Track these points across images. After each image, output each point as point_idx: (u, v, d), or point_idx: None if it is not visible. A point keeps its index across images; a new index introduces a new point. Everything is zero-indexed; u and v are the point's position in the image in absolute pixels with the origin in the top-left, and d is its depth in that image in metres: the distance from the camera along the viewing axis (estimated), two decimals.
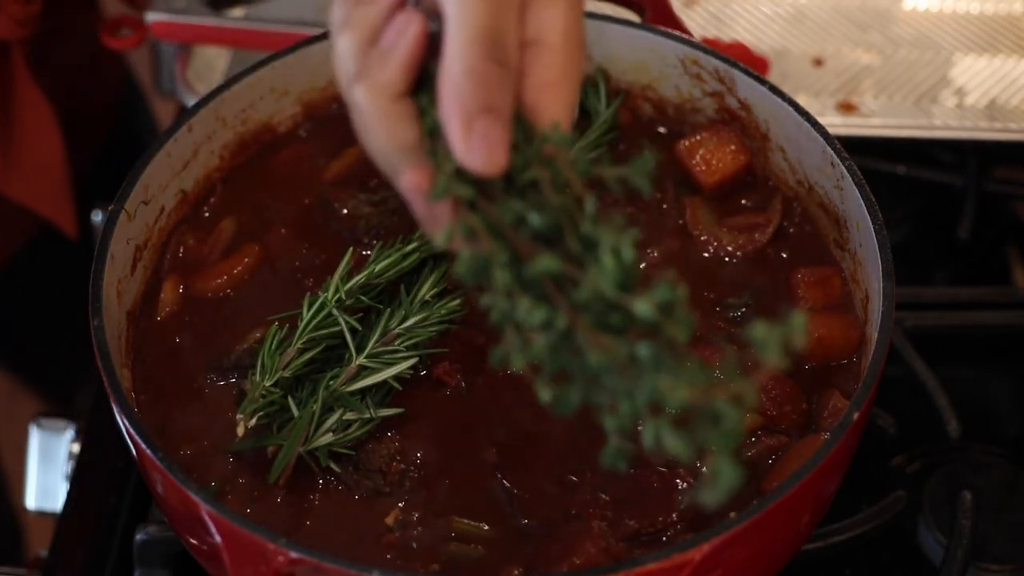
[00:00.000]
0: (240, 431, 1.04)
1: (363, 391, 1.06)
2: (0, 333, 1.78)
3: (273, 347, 1.06)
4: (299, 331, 1.07)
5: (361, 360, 1.06)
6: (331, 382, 1.05)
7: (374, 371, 1.06)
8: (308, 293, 1.11)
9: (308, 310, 1.08)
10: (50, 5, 1.43)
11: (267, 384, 1.05)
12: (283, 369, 1.05)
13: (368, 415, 1.05)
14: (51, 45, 1.53)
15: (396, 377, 1.06)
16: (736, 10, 1.61)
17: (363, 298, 1.11)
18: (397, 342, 1.08)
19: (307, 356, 1.07)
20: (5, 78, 1.44)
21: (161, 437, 1.06)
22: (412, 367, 1.07)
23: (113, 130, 1.75)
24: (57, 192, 1.51)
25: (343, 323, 1.07)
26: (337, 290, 1.10)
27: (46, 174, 1.50)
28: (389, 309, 1.10)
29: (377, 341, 1.07)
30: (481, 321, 1.12)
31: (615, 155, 1.23)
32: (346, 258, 1.12)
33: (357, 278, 1.11)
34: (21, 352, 1.87)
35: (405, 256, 1.14)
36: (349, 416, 1.04)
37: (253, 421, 1.04)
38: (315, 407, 1.04)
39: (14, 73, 1.45)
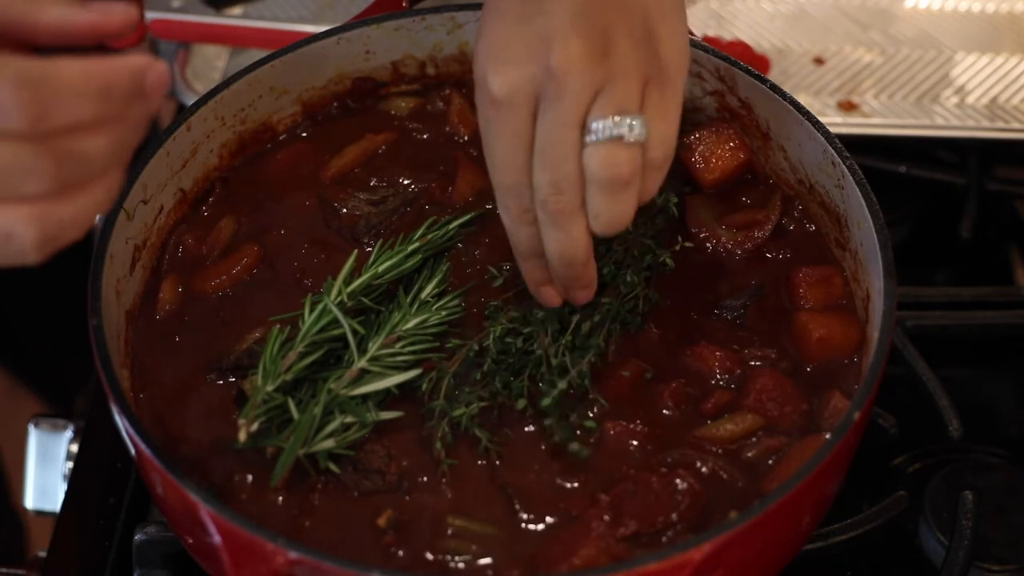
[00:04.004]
0: (242, 436, 1.03)
1: (364, 395, 1.05)
2: (1, 333, 1.78)
3: (275, 351, 1.06)
4: (301, 334, 1.07)
5: (363, 363, 1.06)
6: (332, 385, 1.05)
7: (376, 375, 1.06)
8: (309, 294, 1.10)
9: (310, 313, 1.07)
10: None
11: (269, 389, 1.04)
12: (284, 373, 1.05)
13: (370, 419, 1.04)
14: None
15: None
16: (737, 8, 1.60)
17: (364, 300, 1.10)
18: (398, 345, 1.07)
19: (308, 360, 1.06)
20: None
21: (160, 437, 1.05)
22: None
23: None
24: None
25: (346, 326, 1.06)
26: (339, 292, 1.09)
27: None
28: (390, 311, 1.10)
29: (380, 344, 1.07)
30: (476, 321, 1.12)
31: None
32: (350, 260, 1.11)
33: (360, 280, 1.10)
34: (21, 352, 1.87)
35: (407, 257, 1.13)
36: (349, 419, 1.04)
37: (255, 426, 1.03)
38: (316, 410, 1.03)
39: None
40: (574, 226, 1.00)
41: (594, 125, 0.97)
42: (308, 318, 1.07)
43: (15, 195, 0.80)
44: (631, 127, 0.97)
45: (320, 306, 1.07)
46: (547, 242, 1.02)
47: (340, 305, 1.08)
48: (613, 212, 1.00)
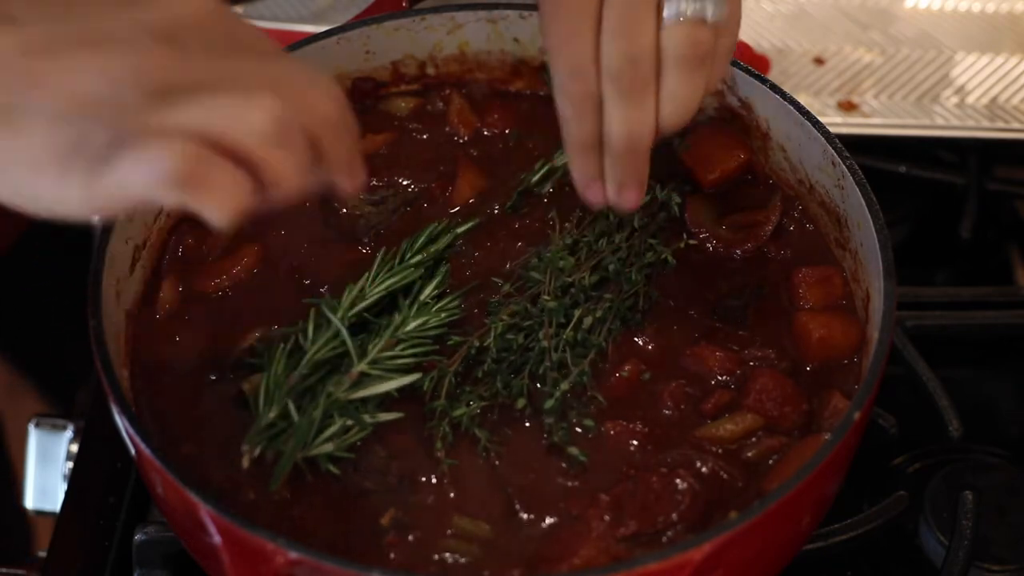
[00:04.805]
0: (245, 463, 1.02)
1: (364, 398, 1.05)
2: (1, 331, 1.78)
3: (279, 371, 1.05)
4: (306, 359, 1.05)
5: (363, 367, 1.06)
6: (331, 389, 1.04)
7: (376, 379, 1.05)
8: (311, 310, 1.09)
9: (314, 336, 1.07)
10: None
11: (272, 416, 1.03)
12: (287, 394, 1.04)
13: (369, 423, 1.04)
14: None
15: None
16: None
17: (366, 315, 1.10)
18: (398, 348, 1.07)
19: (312, 379, 1.06)
20: None
21: (160, 437, 1.05)
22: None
23: None
24: None
25: (349, 343, 1.06)
26: (344, 315, 1.08)
27: None
28: (389, 315, 1.09)
29: (380, 347, 1.06)
30: (476, 322, 1.12)
31: None
32: (359, 282, 1.11)
33: (365, 302, 1.09)
34: (21, 351, 1.87)
35: (411, 268, 1.13)
36: (349, 421, 1.04)
37: (258, 451, 1.03)
38: (315, 414, 1.03)
39: None
40: (647, 102, 1.00)
41: (673, 5, 1.00)
42: (313, 345, 1.06)
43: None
44: (714, 6, 1.01)
45: (330, 330, 1.07)
46: (614, 123, 1.01)
47: (342, 320, 1.07)
48: (689, 93, 1.01)
